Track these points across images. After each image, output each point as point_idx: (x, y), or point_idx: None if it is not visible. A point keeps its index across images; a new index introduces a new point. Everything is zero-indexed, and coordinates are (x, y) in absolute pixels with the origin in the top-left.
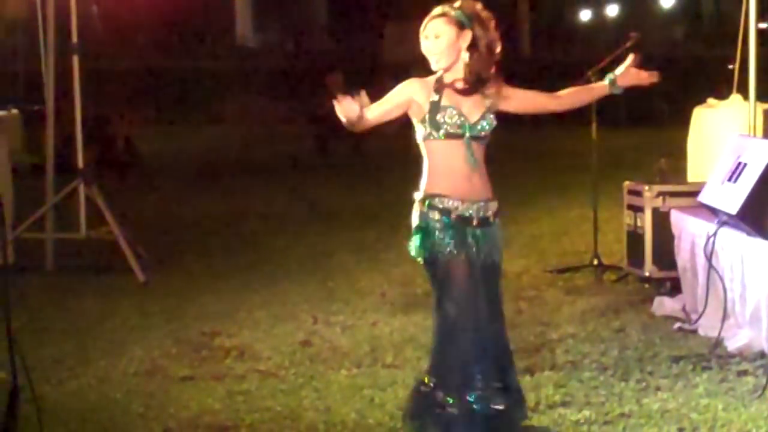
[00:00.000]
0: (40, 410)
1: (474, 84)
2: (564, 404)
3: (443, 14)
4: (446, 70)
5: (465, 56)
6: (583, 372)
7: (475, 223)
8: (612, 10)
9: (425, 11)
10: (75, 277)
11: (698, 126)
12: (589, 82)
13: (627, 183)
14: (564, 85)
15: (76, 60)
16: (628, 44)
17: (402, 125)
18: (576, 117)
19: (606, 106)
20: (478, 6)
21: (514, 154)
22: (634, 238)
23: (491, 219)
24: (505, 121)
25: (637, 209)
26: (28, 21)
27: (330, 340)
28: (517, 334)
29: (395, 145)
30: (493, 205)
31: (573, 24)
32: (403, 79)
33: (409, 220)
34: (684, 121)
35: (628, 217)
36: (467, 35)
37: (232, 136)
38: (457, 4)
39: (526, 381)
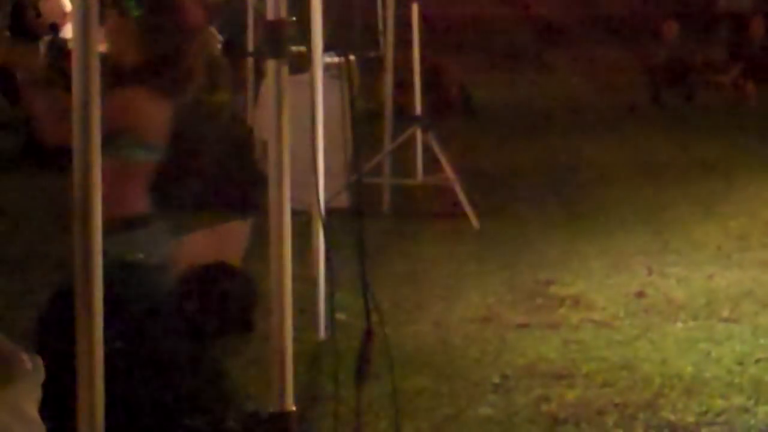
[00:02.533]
0: (390, 353)
1: None
2: None
3: None
4: None
5: None
6: None
7: None
8: None
9: None
10: (411, 222)
11: None
12: None
13: None
14: None
15: (416, 8)
16: None
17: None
18: None
19: None
20: None
21: None
22: None
23: None
24: None
25: None
26: None
27: (665, 292)
28: None
29: (730, 95)
30: None
31: None
32: (739, 29)
33: (744, 173)
34: None
35: None
36: None
37: (563, 85)
38: None
39: None
